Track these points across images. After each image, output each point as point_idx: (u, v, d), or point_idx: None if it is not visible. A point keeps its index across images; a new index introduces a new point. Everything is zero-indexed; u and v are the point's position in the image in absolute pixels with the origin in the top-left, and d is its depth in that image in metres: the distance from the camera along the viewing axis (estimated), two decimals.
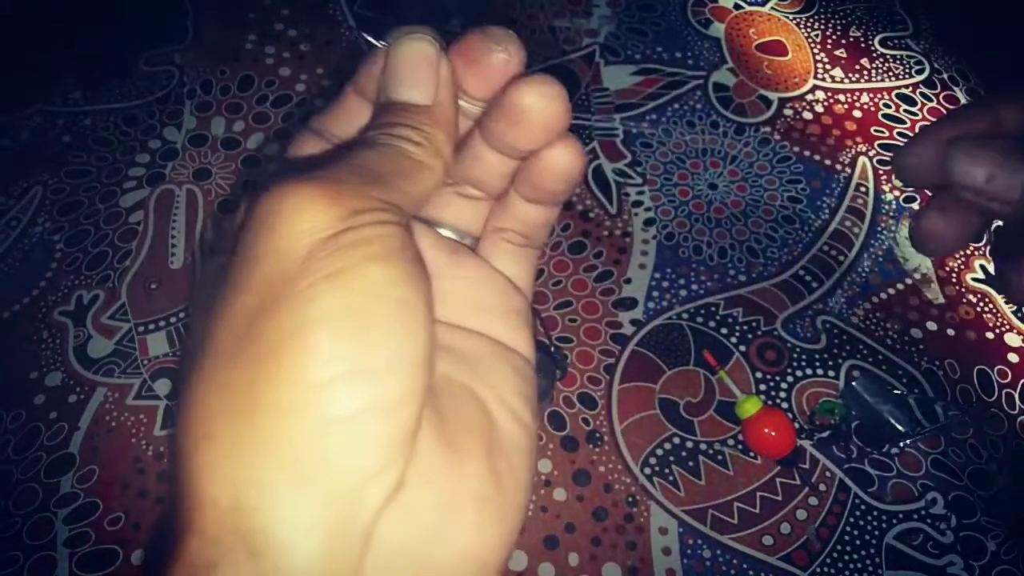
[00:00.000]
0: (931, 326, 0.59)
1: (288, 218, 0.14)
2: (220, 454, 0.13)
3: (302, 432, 0.13)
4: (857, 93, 0.72)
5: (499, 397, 0.17)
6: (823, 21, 0.78)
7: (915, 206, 0.66)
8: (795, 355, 0.58)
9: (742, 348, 0.57)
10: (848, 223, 0.64)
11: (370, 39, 0.17)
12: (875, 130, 0.70)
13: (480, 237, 0.21)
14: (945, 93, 0.73)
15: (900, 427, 0.53)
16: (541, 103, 0.16)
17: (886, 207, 0.66)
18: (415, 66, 0.17)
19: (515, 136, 0.17)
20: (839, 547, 0.50)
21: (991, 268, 0.63)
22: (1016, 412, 0.56)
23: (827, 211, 0.65)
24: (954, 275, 0.62)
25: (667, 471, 0.52)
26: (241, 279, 0.14)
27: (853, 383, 0.55)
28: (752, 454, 0.53)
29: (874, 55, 0.75)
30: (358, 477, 0.13)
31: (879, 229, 0.64)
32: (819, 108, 0.71)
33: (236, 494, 0.13)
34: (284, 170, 0.16)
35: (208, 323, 0.14)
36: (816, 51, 0.75)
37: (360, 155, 0.16)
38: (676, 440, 0.54)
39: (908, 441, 0.54)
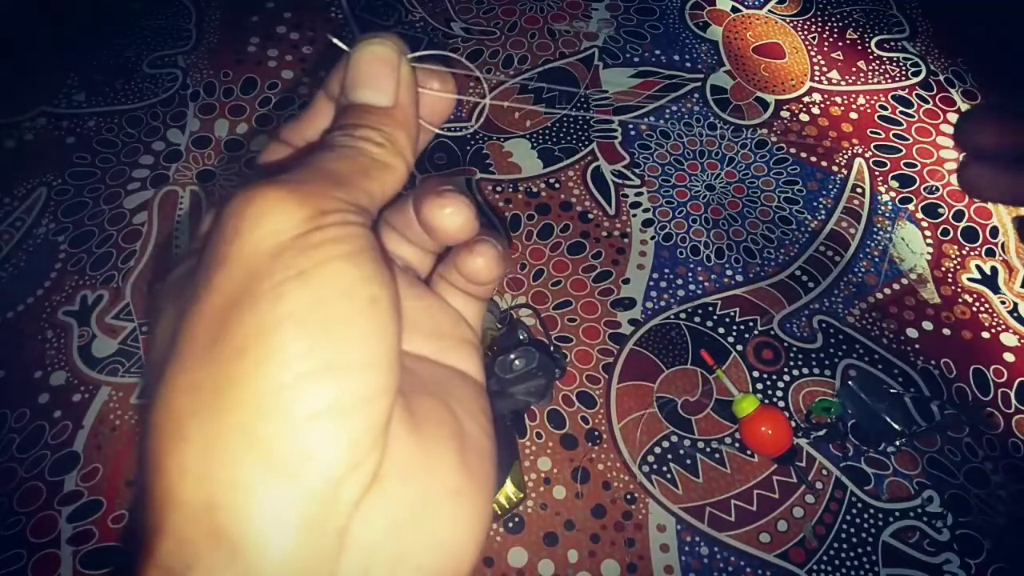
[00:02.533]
0: (927, 326, 0.60)
1: (254, 220, 0.14)
2: (193, 454, 0.13)
3: (274, 429, 0.13)
4: (854, 95, 0.73)
5: (465, 408, 0.18)
6: (820, 24, 0.78)
7: (911, 207, 0.66)
8: (792, 354, 0.58)
9: (739, 347, 0.58)
10: (844, 224, 0.65)
11: (337, 43, 0.18)
12: (871, 132, 0.70)
13: (429, 279, 0.21)
14: (941, 95, 0.73)
15: (896, 426, 0.53)
16: (447, 221, 0.18)
17: (882, 208, 0.66)
18: (376, 68, 0.17)
19: (432, 238, 0.19)
20: (836, 544, 0.51)
21: (987, 268, 0.63)
22: (1012, 411, 0.56)
23: (823, 212, 0.65)
24: (950, 275, 0.63)
25: (665, 469, 0.53)
26: (208, 281, 0.14)
27: (849, 382, 0.56)
28: (749, 452, 0.54)
29: (871, 57, 0.76)
30: (332, 473, 0.13)
31: (875, 230, 0.65)
32: (816, 110, 0.72)
33: (210, 493, 0.13)
34: (250, 177, 0.16)
35: (175, 327, 0.14)
36: (813, 53, 0.76)
37: (322, 157, 0.16)
38: (674, 438, 0.54)
39: (904, 440, 0.54)
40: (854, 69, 0.75)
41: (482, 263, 0.19)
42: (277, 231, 0.14)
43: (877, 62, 0.75)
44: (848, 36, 0.77)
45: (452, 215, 0.18)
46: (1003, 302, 0.61)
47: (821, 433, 0.54)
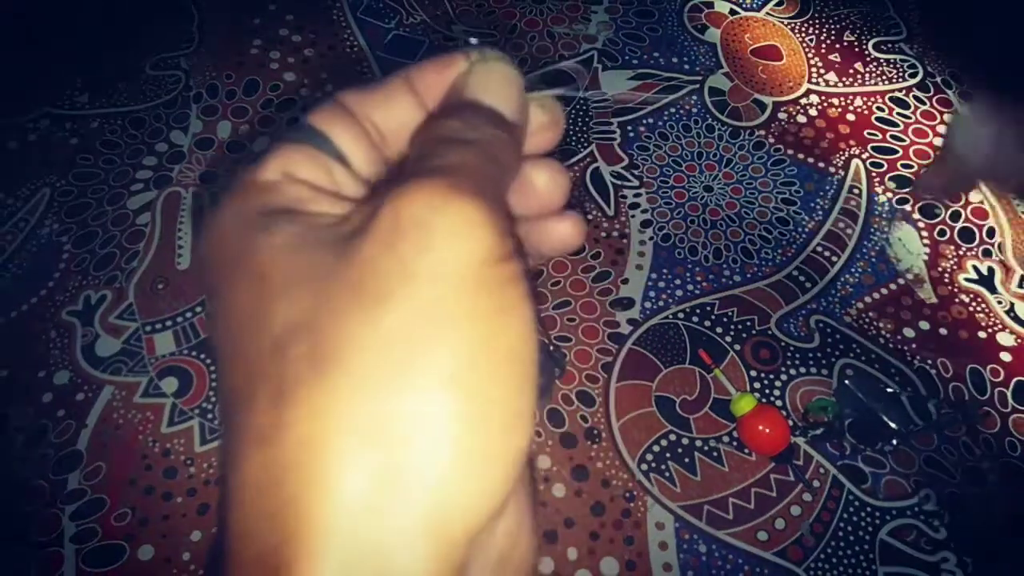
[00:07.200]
0: (923, 325, 0.60)
1: (448, 237, 0.13)
2: (362, 475, 0.12)
3: (451, 470, 0.13)
4: (851, 97, 0.73)
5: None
6: (818, 26, 0.79)
7: (907, 208, 0.67)
8: (789, 354, 0.58)
9: (737, 347, 0.58)
10: (841, 224, 0.65)
11: (471, 39, 0.18)
12: (868, 133, 0.71)
13: None
14: (938, 96, 0.74)
15: (893, 425, 0.54)
16: (548, 183, 0.18)
17: (879, 208, 0.66)
18: (508, 84, 0.18)
19: (519, 202, 0.19)
20: (833, 543, 0.51)
21: (984, 268, 0.64)
22: (1008, 410, 0.57)
23: (820, 213, 0.66)
24: (946, 275, 0.63)
25: (663, 467, 0.53)
26: (384, 292, 0.13)
27: (846, 381, 0.56)
28: (747, 451, 0.54)
29: (868, 59, 0.76)
30: (473, 520, 0.13)
31: (872, 230, 0.65)
32: (813, 112, 0.72)
33: (377, 521, 0.12)
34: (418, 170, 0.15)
35: (339, 325, 0.13)
36: (810, 56, 0.76)
37: (467, 153, 0.15)
38: (672, 437, 0.54)
39: (901, 438, 0.55)
40: (851, 71, 0.75)
41: (570, 226, 0.19)
42: (476, 252, 0.13)
43: (874, 64, 0.76)
44: (845, 38, 0.78)
45: (554, 175, 0.18)
46: (1000, 302, 0.62)
47: (818, 432, 0.55)
